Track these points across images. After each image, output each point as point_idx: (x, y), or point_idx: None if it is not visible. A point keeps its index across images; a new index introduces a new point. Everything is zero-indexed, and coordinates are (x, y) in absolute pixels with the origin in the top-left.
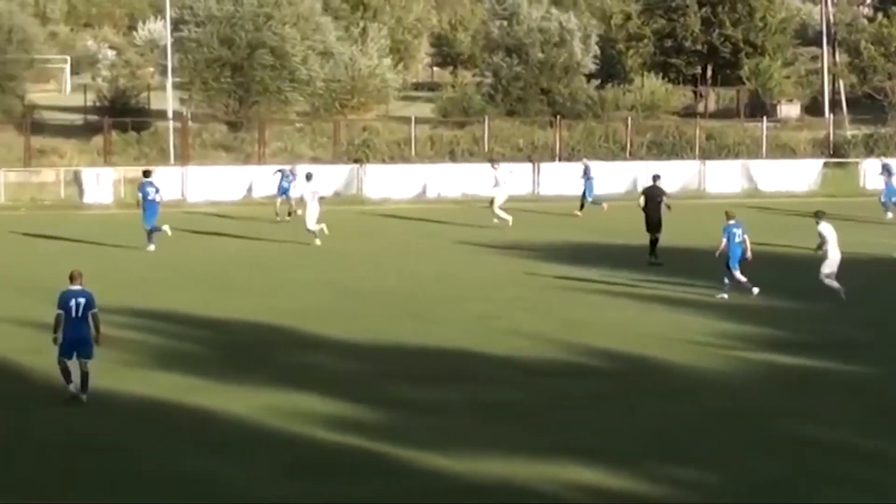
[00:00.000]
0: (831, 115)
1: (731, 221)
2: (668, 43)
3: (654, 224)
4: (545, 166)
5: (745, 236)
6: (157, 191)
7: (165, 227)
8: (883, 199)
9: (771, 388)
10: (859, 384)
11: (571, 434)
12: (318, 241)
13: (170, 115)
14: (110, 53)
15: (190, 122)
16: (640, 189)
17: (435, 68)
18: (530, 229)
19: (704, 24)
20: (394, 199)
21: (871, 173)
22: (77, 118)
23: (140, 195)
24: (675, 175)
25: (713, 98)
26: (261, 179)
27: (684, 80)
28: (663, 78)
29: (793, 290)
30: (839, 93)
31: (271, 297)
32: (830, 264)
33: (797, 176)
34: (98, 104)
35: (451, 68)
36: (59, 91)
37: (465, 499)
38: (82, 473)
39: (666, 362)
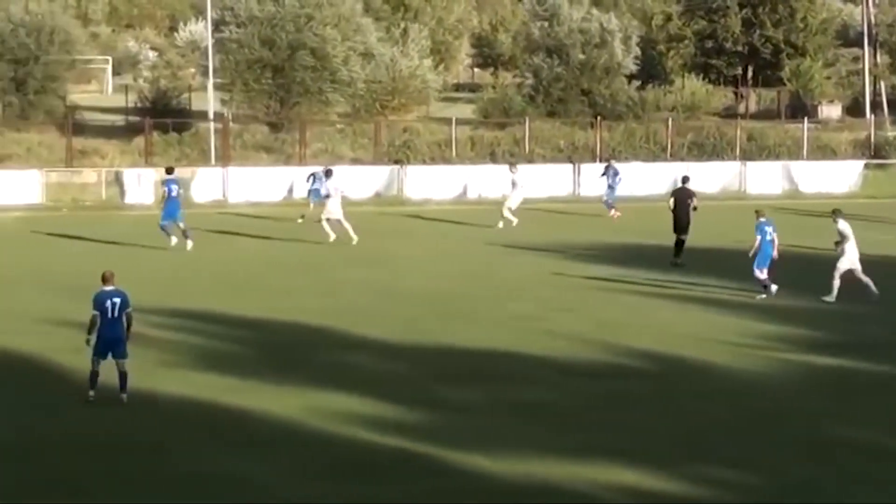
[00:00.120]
0: (872, 116)
1: (762, 219)
2: (709, 44)
3: (682, 226)
4: (585, 167)
5: (775, 234)
6: (180, 188)
7: (174, 238)
8: None
9: (807, 389)
10: (894, 385)
11: (608, 434)
12: (332, 236)
13: (211, 115)
14: (151, 54)
15: (231, 123)
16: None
17: (476, 69)
18: (569, 230)
19: (745, 25)
20: (434, 200)
21: None
22: (118, 119)
23: (165, 189)
24: (716, 176)
25: (754, 99)
26: (301, 180)
27: (725, 81)
28: (704, 79)
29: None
30: (880, 94)
31: (311, 297)
32: (847, 261)
33: (838, 177)
34: (139, 105)
35: (491, 69)
36: (100, 92)
37: (504, 499)
38: (121, 473)
39: (702, 363)
